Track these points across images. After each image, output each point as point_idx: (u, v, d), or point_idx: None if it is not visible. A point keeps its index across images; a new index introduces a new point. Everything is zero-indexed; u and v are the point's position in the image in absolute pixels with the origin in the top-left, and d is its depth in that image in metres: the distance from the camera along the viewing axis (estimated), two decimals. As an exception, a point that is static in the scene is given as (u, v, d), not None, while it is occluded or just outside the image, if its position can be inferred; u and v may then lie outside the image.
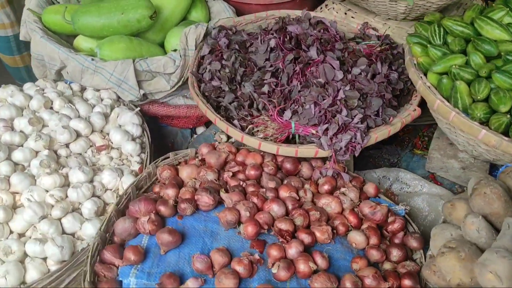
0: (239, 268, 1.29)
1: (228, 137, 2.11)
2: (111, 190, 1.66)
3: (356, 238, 1.45)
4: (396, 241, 1.52)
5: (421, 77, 1.75)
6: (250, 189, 1.56)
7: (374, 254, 1.43)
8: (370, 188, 1.65)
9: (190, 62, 2.00)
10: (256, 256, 1.35)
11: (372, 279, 1.31)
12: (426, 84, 1.72)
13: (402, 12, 2.11)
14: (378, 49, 2.00)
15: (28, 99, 1.83)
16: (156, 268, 1.33)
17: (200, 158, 1.71)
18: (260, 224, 1.42)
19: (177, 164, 1.72)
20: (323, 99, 1.68)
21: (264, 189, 1.56)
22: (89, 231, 1.50)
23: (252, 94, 1.79)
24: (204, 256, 1.32)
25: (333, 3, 2.45)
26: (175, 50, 2.09)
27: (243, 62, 1.90)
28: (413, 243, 1.48)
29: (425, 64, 1.75)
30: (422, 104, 1.83)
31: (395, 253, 1.45)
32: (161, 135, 2.22)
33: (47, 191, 1.57)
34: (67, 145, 1.74)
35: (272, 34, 1.94)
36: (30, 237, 1.51)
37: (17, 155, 1.63)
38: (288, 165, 1.68)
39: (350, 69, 1.84)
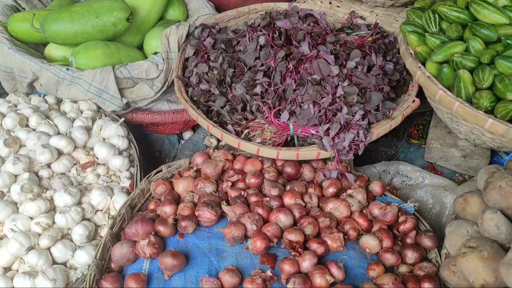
0: (252, 289, 1.20)
1: (219, 140, 2.01)
2: (101, 211, 1.53)
3: (370, 242, 1.38)
4: (409, 241, 1.46)
5: (419, 67, 1.68)
6: (253, 199, 1.46)
7: (390, 258, 1.36)
8: (376, 187, 1.58)
9: (174, 65, 1.87)
10: (269, 273, 1.26)
11: (392, 286, 1.24)
12: (425, 74, 1.65)
13: (390, -2, 2.04)
14: (370, 39, 1.92)
15: (0, 118, 1.68)
16: (161, 295, 1.23)
17: (195, 168, 1.60)
18: (269, 237, 1.33)
19: (171, 177, 1.61)
20: (322, 98, 1.59)
21: (268, 198, 1.47)
22: (83, 259, 1.38)
23: (245, 96, 1.69)
24: (213, 279, 1.22)
25: (316, -8, 2.36)
26: (155, 53, 1.96)
27: (231, 62, 1.79)
28: (427, 242, 1.42)
29: (423, 54, 1.67)
30: (418, 92, 1.77)
31: (411, 255, 1.38)
32: (147, 143, 2.09)
33: (31, 218, 1.44)
34: (48, 166, 1.60)
35: (261, 30, 1.84)
36: (17, 271, 1.38)
37: (-5, 181, 1.49)
38: (289, 169, 1.59)
39: (344, 63, 1.76)
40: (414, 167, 1.90)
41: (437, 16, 1.73)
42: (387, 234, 1.42)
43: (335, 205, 1.47)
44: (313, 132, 1.58)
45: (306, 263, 1.27)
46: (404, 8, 2.16)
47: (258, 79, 1.71)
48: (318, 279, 1.23)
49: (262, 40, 1.78)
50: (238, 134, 1.63)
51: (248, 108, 1.69)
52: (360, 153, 1.57)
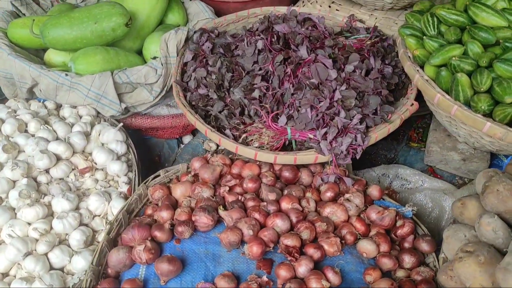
0: (248, 294, 1.20)
1: (218, 144, 2.01)
2: (99, 216, 1.54)
3: (367, 247, 1.37)
4: (407, 245, 1.45)
5: (417, 70, 1.67)
6: (250, 203, 1.46)
7: (387, 263, 1.35)
8: (374, 191, 1.57)
9: (173, 70, 1.88)
10: (265, 278, 1.26)
11: (389, 292, 1.23)
12: (423, 77, 1.64)
13: (389, 2, 2.04)
14: (369, 42, 1.91)
15: (0, 124, 1.69)
16: (157, 301, 1.23)
17: (193, 173, 1.60)
18: (265, 242, 1.32)
19: (169, 182, 1.61)
20: (320, 102, 1.59)
21: (265, 202, 1.47)
22: (80, 264, 1.39)
23: (243, 100, 1.69)
24: (209, 284, 1.22)
25: (315, -4, 2.36)
26: (154, 58, 1.97)
27: (230, 66, 1.79)
28: (424, 246, 1.41)
29: (422, 57, 1.67)
30: (417, 96, 1.76)
31: (408, 260, 1.37)
32: (146, 148, 2.10)
33: (29, 224, 1.44)
34: (47, 171, 1.61)
35: (259, 35, 1.84)
36: (15, 277, 1.38)
37: (-7, 187, 1.50)
38: (287, 174, 1.58)
39: (342, 67, 1.76)
40: (413, 170, 1.90)
41: (435, 19, 1.72)
42: (385, 239, 1.41)
43: (333, 209, 1.46)
44: (311, 136, 1.57)
45: (302, 268, 1.27)
46: (403, 11, 2.15)
47: (256, 84, 1.71)
48: (314, 284, 1.23)
49: (260, 45, 1.78)
50: (236, 138, 1.62)
51: (246, 112, 1.69)
52: (358, 157, 1.57)
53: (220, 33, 1.99)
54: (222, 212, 1.42)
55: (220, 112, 1.69)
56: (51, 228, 1.46)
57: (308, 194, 1.54)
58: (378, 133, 1.61)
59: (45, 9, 2.23)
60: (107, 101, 1.82)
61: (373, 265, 1.36)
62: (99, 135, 1.74)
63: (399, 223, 1.46)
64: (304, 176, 1.61)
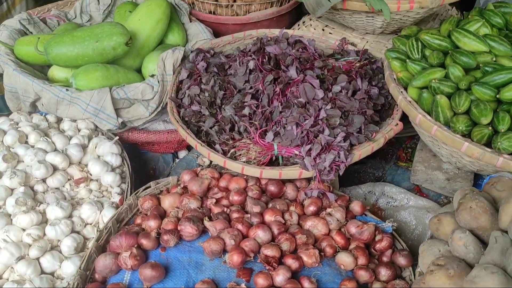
0: (226, 301, 1.25)
1: (212, 161, 2.08)
2: (91, 224, 1.60)
3: (344, 259, 1.42)
4: (385, 259, 1.50)
5: (401, 92, 1.74)
6: (235, 215, 1.52)
7: (363, 275, 1.40)
8: (356, 206, 1.63)
9: (169, 87, 1.97)
10: (243, 285, 1.31)
11: (362, 302, 1.28)
12: (406, 99, 1.71)
13: (379, 26, 2.12)
14: (358, 64, 1.99)
15: (2, 135, 1.78)
16: (139, 305, 1.29)
17: (182, 185, 1.67)
18: (246, 252, 1.38)
19: (159, 193, 1.68)
20: (305, 120, 1.66)
21: (249, 215, 1.53)
22: (69, 269, 1.45)
23: (233, 117, 1.77)
24: (189, 290, 1.27)
25: (310, 19, 2.45)
26: (152, 76, 2.06)
27: (222, 85, 1.88)
28: (401, 261, 1.46)
29: (405, 79, 1.74)
30: (404, 116, 1.82)
31: (384, 273, 1.42)
32: (142, 162, 2.17)
33: (24, 230, 1.51)
34: (44, 180, 1.69)
35: (251, 55, 1.92)
36: (7, 279, 1.45)
37: (-8, 194, 1.58)
38: (272, 188, 1.65)
39: (330, 87, 1.83)
40: (399, 188, 1.95)
41: (419, 43, 1.80)
42: (363, 252, 1.46)
43: (314, 222, 1.52)
44: (297, 152, 1.64)
45: (280, 277, 1.32)
46: (393, 35, 2.23)
47: (247, 101, 1.78)
48: (290, 293, 1.28)
49: (251, 65, 1.86)
50: (225, 153, 1.69)
51: (236, 128, 1.77)
52: (341, 173, 1.63)
53: (216, 53, 2.08)
54: (207, 223, 1.48)
55: (211, 127, 1.76)
56: (44, 234, 1.52)
57: (292, 208, 1.60)
58: (362, 151, 1.67)
59: (52, 28, 2.35)
60: (105, 116, 1.90)
61: (350, 277, 1.41)
62: (95, 147, 1.82)
63: (378, 237, 1.51)
64: (289, 191, 1.67)
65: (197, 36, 2.36)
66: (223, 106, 1.82)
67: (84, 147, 1.82)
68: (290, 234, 1.46)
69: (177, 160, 2.22)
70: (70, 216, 1.59)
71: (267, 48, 1.94)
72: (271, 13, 2.50)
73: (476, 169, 1.72)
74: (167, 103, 1.97)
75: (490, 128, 1.51)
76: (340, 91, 1.80)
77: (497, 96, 1.54)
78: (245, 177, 1.68)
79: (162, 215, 1.56)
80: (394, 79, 1.80)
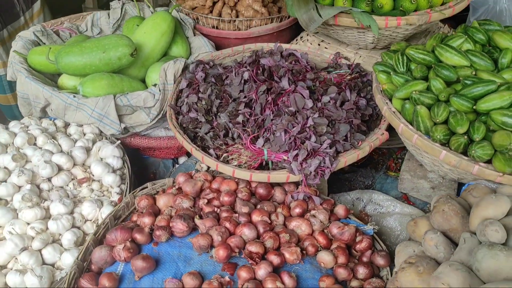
0: (209, 290, 1.35)
1: (209, 167, 2.19)
2: (91, 220, 1.72)
3: (324, 258, 1.51)
4: (365, 259, 1.58)
5: (386, 102, 1.84)
6: (224, 214, 1.62)
7: (342, 273, 1.48)
8: (340, 210, 1.72)
9: (169, 95, 2.09)
10: (227, 278, 1.40)
11: (337, 296, 1.36)
12: (391, 109, 1.81)
13: (370, 42, 2.23)
14: (349, 77, 2.10)
15: (13, 137, 1.91)
16: (130, 294, 1.39)
17: (177, 187, 1.78)
18: (231, 247, 1.48)
19: (155, 194, 1.79)
20: (293, 127, 1.76)
21: (237, 214, 1.62)
22: (68, 260, 1.56)
23: (228, 124, 1.88)
24: (176, 280, 1.37)
25: (307, 35, 2.57)
26: (155, 85, 2.19)
27: (219, 94, 2.00)
28: (379, 260, 1.54)
29: (390, 91, 1.84)
30: (393, 128, 1.91)
31: (362, 271, 1.50)
32: (143, 166, 2.29)
33: (28, 224, 1.63)
34: (49, 179, 1.81)
35: (246, 67, 2.04)
36: (11, 269, 1.56)
37: (0, 190, 1.70)
38: (261, 190, 1.74)
39: (320, 98, 1.94)
40: (386, 196, 2.02)
41: (405, 58, 1.90)
42: (343, 252, 1.54)
43: (298, 223, 1.61)
44: (285, 157, 1.74)
45: (262, 271, 1.41)
46: (385, 50, 2.34)
47: (241, 110, 1.90)
48: (269, 285, 1.37)
49: (246, 75, 1.98)
50: (218, 157, 1.80)
51: (230, 135, 1.88)
52: (326, 177, 1.72)
53: (215, 64, 2.21)
54: (197, 221, 1.58)
55: (206, 133, 1.88)
56: (47, 228, 1.64)
57: (279, 210, 1.69)
58: (348, 157, 1.76)
59: (64, 40, 2.51)
60: (109, 121, 2.03)
61: (329, 274, 1.49)
62: (98, 150, 1.95)
63: (358, 238, 1.59)
64: (278, 194, 1.77)
65: (200, 49, 2.50)
66: (218, 113, 1.94)
67: (88, 150, 1.94)
68: (274, 232, 1.55)
69: (176, 166, 2.34)
70: (71, 213, 1.70)
71: (261, 60, 2.06)
72: (271, 29, 2.63)
73: (457, 177, 1.80)
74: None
75: (466, 137, 1.59)
76: (329, 102, 1.90)
77: (474, 107, 1.63)
78: (236, 180, 1.78)
79: (156, 213, 1.66)
80: (381, 91, 1.90)
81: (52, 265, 1.59)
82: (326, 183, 1.99)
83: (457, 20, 2.55)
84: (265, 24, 2.63)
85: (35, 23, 2.81)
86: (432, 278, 1.26)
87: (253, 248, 1.48)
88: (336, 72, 2.15)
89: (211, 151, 1.82)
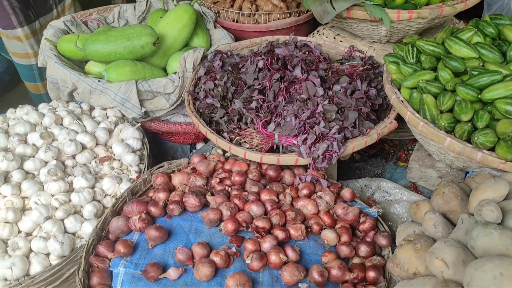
0: (216, 259, 1.44)
1: (224, 152, 2.28)
2: (110, 195, 1.83)
3: (328, 235, 1.58)
4: (368, 239, 1.64)
5: (395, 92, 1.90)
6: (234, 192, 1.71)
7: (344, 250, 1.55)
8: (346, 193, 1.78)
9: (188, 82, 2.20)
10: (233, 249, 1.49)
11: (337, 269, 1.43)
12: (399, 98, 1.86)
13: (384, 35, 2.28)
14: (361, 68, 2.16)
15: (41, 117, 2.05)
16: (143, 259, 1.49)
17: (191, 166, 1.88)
18: (239, 222, 1.56)
19: (171, 173, 1.89)
20: (303, 112, 1.84)
21: (247, 193, 1.71)
22: (88, 230, 1.68)
23: (241, 109, 1.97)
24: (186, 249, 1.47)
25: (324, 29, 2.65)
26: (175, 73, 2.30)
27: (234, 81, 2.09)
28: (382, 240, 1.60)
29: (398, 80, 1.90)
30: (403, 119, 1.96)
31: (363, 249, 1.56)
32: (162, 150, 2.41)
33: (52, 195, 1.76)
34: (73, 157, 1.94)
35: (261, 56, 2.13)
36: (36, 236, 1.69)
37: (29, 165, 1.84)
38: (271, 172, 1.83)
39: (331, 87, 2.01)
40: (394, 184, 2.07)
41: (415, 49, 1.95)
42: (346, 231, 1.61)
43: (304, 203, 1.69)
44: (295, 142, 1.82)
45: (267, 244, 1.49)
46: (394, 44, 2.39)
47: (254, 96, 1.99)
48: (273, 257, 1.45)
49: (261, 64, 2.07)
50: (231, 140, 1.89)
51: (243, 120, 1.97)
52: (333, 162, 1.78)
53: (232, 54, 2.30)
54: (209, 197, 1.68)
55: (221, 118, 1.97)
56: (70, 200, 1.76)
57: (287, 191, 1.77)
58: (355, 143, 1.83)
59: (92, 30, 2.64)
60: (130, 105, 2.15)
61: (332, 251, 1.56)
62: (120, 132, 2.07)
63: (362, 219, 1.66)
64: (287, 176, 1.85)
65: (219, 41, 2.60)
66: (233, 99, 2.03)
67: (110, 131, 2.06)
68: (281, 210, 1.63)
69: (193, 151, 2.44)
70: (93, 187, 1.82)
71: (276, 50, 2.14)
72: (289, 23, 2.71)
73: (463, 166, 1.84)
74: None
75: (470, 124, 1.64)
76: (340, 90, 1.97)
77: (479, 96, 1.67)
78: (247, 162, 1.87)
79: (171, 190, 1.77)
80: (390, 80, 1.96)
81: (73, 234, 1.71)
82: (335, 169, 2.06)
83: (473, 18, 2.57)
84: (284, 18, 2.71)
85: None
86: (427, 253, 1.31)
87: (260, 223, 1.56)
88: (349, 63, 2.22)
89: (225, 134, 1.92)
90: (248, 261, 1.44)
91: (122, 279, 1.44)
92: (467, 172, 1.98)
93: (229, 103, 2.05)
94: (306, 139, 1.78)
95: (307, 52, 2.17)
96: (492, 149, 1.63)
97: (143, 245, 1.54)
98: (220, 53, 2.28)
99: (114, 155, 2.00)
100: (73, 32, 2.54)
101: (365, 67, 2.18)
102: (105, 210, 1.80)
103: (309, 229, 1.61)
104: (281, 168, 1.86)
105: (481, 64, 1.80)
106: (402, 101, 1.85)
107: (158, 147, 2.39)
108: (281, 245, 1.54)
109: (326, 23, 2.50)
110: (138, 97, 2.15)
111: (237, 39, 2.68)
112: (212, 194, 1.71)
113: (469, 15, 2.32)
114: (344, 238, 1.59)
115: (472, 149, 1.64)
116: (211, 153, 2.32)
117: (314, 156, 1.76)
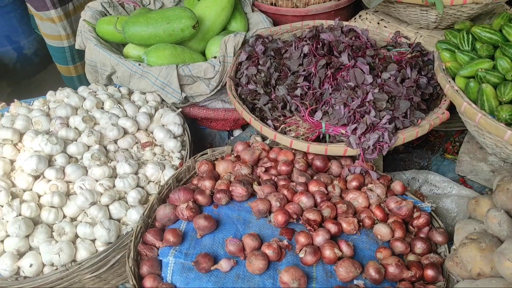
0: (269, 252, 1.39)
1: (263, 139, 2.23)
2: (153, 182, 1.80)
3: (382, 230, 1.52)
4: (422, 235, 1.58)
5: (449, 81, 1.81)
6: (281, 183, 1.66)
7: (399, 246, 1.49)
8: (397, 186, 1.72)
9: (229, 67, 2.14)
10: (285, 242, 1.44)
11: (395, 267, 1.37)
12: (454, 87, 1.78)
13: (433, 21, 2.18)
14: (409, 56, 2.07)
15: (82, 100, 2.02)
16: (192, 249, 1.45)
17: (235, 154, 1.83)
18: (289, 213, 1.52)
19: (214, 160, 1.85)
20: (353, 101, 1.77)
21: (294, 183, 1.66)
22: (134, 216, 1.65)
23: (286, 96, 1.91)
24: (237, 240, 1.43)
25: (366, 13, 2.55)
26: (215, 57, 2.24)
27: (277, 67, 2.02)
28: (437, 237, 1.54)
29: (453, 69, 1.81)
30: (453, 109, 1.88)
31: (419, 246, 1.50)
32: (200, 136, 2.37)
33: (97, 180, 1.73)
34: (115, 141, 1.91)
35: (306, 41, 2.06)
36: (81, 221, 1.67)
37: (72, 149, 1.81)
38: (318, 163, 1.77)
39: (380, 74, 1.93)
40: (443, 177, 2.00)
41: (470, 36, 1.86)
42: (400, 226, 1.55)
43: (355, 195, 1.63)
44: (343, 131, 1.75)
45: (320, 237, 1.45)
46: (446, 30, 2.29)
47: (299, 83, 1.92)
48: (327, 251, 1.40)
49: (306, 49, 2.00)
50: (276, 128, 1.84)
51: (288, 107, 1.90)
52: (384, 153, 1.72)
53: (274, 39, 2.23)
54: (256, 187, 1.63)
55: (265, 105, 1.91)
56: (114, 186, 1.73)
57: (335, 182, 1.71)
58: (406, 134, 1.75)
59: (128, 12, 2.59)
60: (171, 90, 2.10)
61: (386, 246, 1.51)
62: (160, 117, 2.03)
63: (415, 214, 1.60)
64: (334, 167, 1.79)
65: (257, 25, 2.53)
66: (277, 86, 1.97)
67: (151, 116, 2.02)
68: (331, 202, 1.58)
69: (232, 138, 2.39)
70: (136, 173, 1.79)
71: (321, 35, 2.06)
72: (329, 7, 2.61)
73: (520, 160, 1.76)
74: (226, 82, 2.15)
75: (533, 117, 1.56)
76: (389, 78, 1.89)
77: (544, 88, 1.58)
78: (293, 151, 1.81)
79: (216, 177, 1.72)
80: (443, 69, 1.87)
81: (118, 220, 1.69)
82: (381, 160, 1.99)
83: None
84: (323, 2, 2.62)
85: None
86: (496, 253, 1.25)
87: (311, 215, 1.51)
88: (396, 50, 2.13)
89: (269, 122, 1.86)
90: (301, 255, 1.40)
91: (172, 269, 1.41)
92: (522, 167, 1.90)
93: (272, 89, 1.99)
94: (356, 128, 1.71)
95: (353, 38, 2.08)
96: (557, 143, 1.55)
97: (192, 235, 1.51)
98: (261, 38, 2.21)
99: (155, 140, 1.96)
100: (110, 14, 2.50)
101: (413, 54, 2.09)
102: (148, 196, 1.77)
103: (360, 223, 1.55)
104: (328, 158, 1.80)
105: (544, 53, 1.70)
106: (457, 91, 1.77)
107: (196, 133, 2.35)
108: (333, 239, 1.49)
109: (368, 8, 2.40)
110: (179, 81, 2.10)
111: (274, 23, 2.60)
112: (259, 184, 1.67)
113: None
114: (398, 233, 1.53)
115: (535, 143, 1.56)
116: (251, 141, 2.28)
117: (364, 147, 1.70)
